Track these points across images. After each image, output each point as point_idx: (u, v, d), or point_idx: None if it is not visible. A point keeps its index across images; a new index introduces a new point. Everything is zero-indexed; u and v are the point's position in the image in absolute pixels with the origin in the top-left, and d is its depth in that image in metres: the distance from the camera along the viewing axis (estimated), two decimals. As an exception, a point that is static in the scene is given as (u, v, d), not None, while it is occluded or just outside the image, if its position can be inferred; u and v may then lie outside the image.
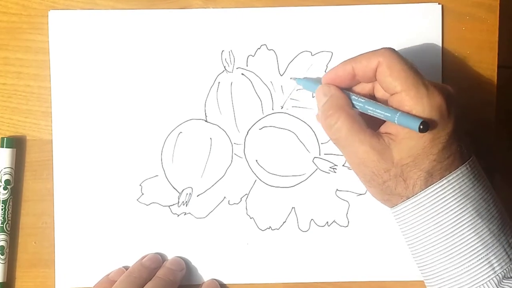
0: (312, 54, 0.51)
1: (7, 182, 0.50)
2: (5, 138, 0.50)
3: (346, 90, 0.46)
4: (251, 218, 0.51)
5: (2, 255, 0.50)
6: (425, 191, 0.42)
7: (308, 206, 0.51)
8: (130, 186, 0.51)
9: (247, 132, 0.51)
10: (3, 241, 0.50)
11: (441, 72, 0.51)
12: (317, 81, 0.48)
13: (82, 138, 0.51)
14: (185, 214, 0.51)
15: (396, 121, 0.42)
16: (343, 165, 0.51)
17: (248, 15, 0.51)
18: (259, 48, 0.51)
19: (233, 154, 0.51)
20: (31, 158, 0.51)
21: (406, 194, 0.43)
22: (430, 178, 0.42)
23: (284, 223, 0.51)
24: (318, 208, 0.51)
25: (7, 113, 0.51)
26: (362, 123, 0.44)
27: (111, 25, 0.51)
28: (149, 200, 0.51)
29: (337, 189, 0.51)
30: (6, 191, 0.50)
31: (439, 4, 0.51)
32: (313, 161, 0.51)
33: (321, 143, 0.51)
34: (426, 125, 0.40)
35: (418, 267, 0.45)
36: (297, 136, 0.51)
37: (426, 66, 0.51)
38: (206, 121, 0.51)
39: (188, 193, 0.51)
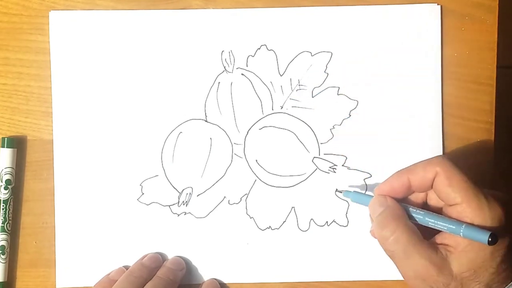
0: (312, 54, 0.51)
1: (8, 182, 0.51)
2: (5, 138, 0.51)
3: (401, 201, 0.44)
4: (251, 218, 0.51)
5: (2, 254, 0.50)
6: None
7: (308, 206, 0.51)
8: (130, 186, 0.51)
9: (247, 132, 0.51)
10: (4, 241, 0.50)
11: (440, 73, 0.51)
12: (367, 195, 0.47)
13: (82, 138, 0.51)
14: (185, 214, 0.51)
15: (461, 234, 0.40)
16: (342, 165, 0.51)
17: (248, 16, 0.51)
18: (259, 49, 0.51)
19: (233, 154, 0.52)
20: (31, 158, 0.52)
21: None
22: None
23: (284, 223, 0.51)
24: (317, 208, 0.51)
25: (7, 113, 0.51)
26: (420, 235, 0.42)
27: (111, 25, 0.51)
28: (149, 199, 0.51)
29: (336, 189, 0.51)
30: (7, 191, 0.50)
31: (438, 4, 0.51)
32: (312, 161, 0.51)
33: (321, 143, 0.51)
34: (495, 238, 0.39)
35: None
36: (296, 136, 0.51)
37: (426, 67, 0.51)
38: (206, 121, 0.51)
39: (188, 193, 0.51)
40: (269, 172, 0.51)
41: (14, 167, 0.51)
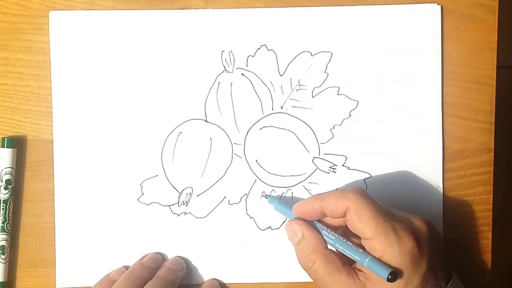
0: (312, 54, 0.51)
1: (7, 182, 0.51)
2: (5, 138, 0.51)
3: (317, 221, 0.46)
4: (251, 218, 0.51)
5: (2, 254, 0.50)
6: None
7: (308, 206, 0.51)
8: (131, 186, 0.51)
9: (247, 132, 0.51)
10: (4, 241, 0.50)
11: (440, 73, 0.51)
12: (290, 206, 0.47)
13: (82, 138, 0.51)
14: (185, 214, 0.51)
15: (365, 266, 0.42)
16: (342, 165, 0.51)
17: (248, 16, 0.51)
18: (259, 49, 0.51)
19: (233, 154, 0.52)
20: (31, 158, 0.52)
21: None
22: None
23: (284, 223, 0.51)
24: (317, 208, 0.51)
25: (7, 113, 0.51)
26: (338, 262, 0.44)
27: (111, 25, 0.51)
28: (149, 200, 0.51)
29: (336, 189, 0.51)
30: (6, 191, 0.51)
31: (438, 4, 0.51)
32: (312, 161, 0.51)
33: (321, 143, 0.51)
34: (394, 275, 0.40)
35: None
36: (296, 136, 0.51)
37: (426, 67, 0.51)
38: (206, 121, 0.51)
39: (188, 193, 0.51)
40: (269, 172, 0.51)
41: (14, 167, 0.51)
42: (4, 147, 0.50)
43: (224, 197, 0.52)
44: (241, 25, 0.51)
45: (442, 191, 0.51)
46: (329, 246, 0.45)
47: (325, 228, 0.45)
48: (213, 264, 0.51)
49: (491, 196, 0.52)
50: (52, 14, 0.51)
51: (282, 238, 0.51)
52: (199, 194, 0.52)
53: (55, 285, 0.51)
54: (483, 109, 0.52)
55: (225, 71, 0.51)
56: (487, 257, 0.52)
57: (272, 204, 0.49)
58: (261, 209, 0.51)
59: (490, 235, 0.52)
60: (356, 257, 0.43)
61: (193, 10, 0.51)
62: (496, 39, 0.51)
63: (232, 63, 0.51)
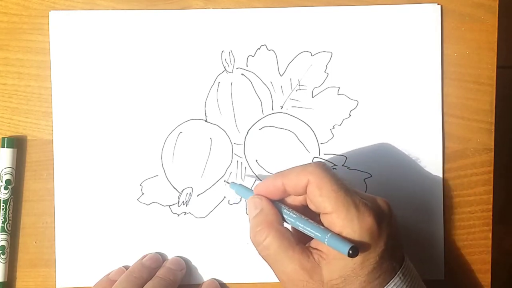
0: (312, 54, 0.51)
1: (8, 182, 0.51)
2: (5, 138, 0.51)
3: (279, 201, 0.45)
4: (251, 218, 0.51)
5: (3, 254, 0.50)
6: None
7: (308, 206, 0.51)
8: (131, 186, 0.51)
9: (247, 132, 0.51)
10: (4, 241, 0.50)
11: (441, 73, 0.51)
12: (250, 190, 0.46)
13: (82, 138, 0.51)
14: (185, 214, 0.51)
15: (326, 243, 0.40)
16: (342, 165, 0.51)
17: (248, 16, 0.51)
18: (259, 49, 0.51)
19: (233, 154, 0.52)
20: (31, 158, 0.52)
21: None
22: None
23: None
24: (317, 208, 0.51)
25: (7, 113, 0.51)
26: (292, 239, 0.42)
27: (111, 25, 0.51)
28: (149, 200, 0.51)
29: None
30: (7, 191, 0.51)
31: (438, 4, 0.51)
32: (312, 161, 0.51)
33: (321, 143, 0.51)
34: (355, 250, 0.39)
35: None
36: (296, 136, 0.51)
37: (426, 67, 0.51)
38: (206, 121, 0.51)
39: (188, 193, 0.52)
40: (269, 172, 0.51)
41: (14, 167, 0.51)
42: (4, 147, 0.50)
43: (224, 197, 0.52)
44: (241, 25, 0.51)
45: (442, 191, 0.51)
46: (289, 227, 0.44)
47: (286, 208, 0.44)
48: (213, 264, 0.51)
49: (491, 196, 0.52)
50: (52, 14, 0.51)
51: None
52: (199, 194, 0.52)
53: (55, 285, 0.51)
54: (483, 109, 0.52)
55: (225, 71, 0.51)
56: (487, 257, 0.52)
57: (234, 189, 0.48)
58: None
59: (490, 235, 0.52)
60: (317, 233, 0.41)
61: (193, 10, 0.51)
62: (496, 39, 0.51)
63: (232, 63, 0.51)
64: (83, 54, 0.51)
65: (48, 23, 0.51)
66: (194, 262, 0.52)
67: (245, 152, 0.52)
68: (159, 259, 0.51)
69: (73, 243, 0.51)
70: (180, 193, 0.52)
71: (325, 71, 0.51)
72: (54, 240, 0.51)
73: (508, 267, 0.97)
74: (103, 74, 0.51)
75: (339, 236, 0.40)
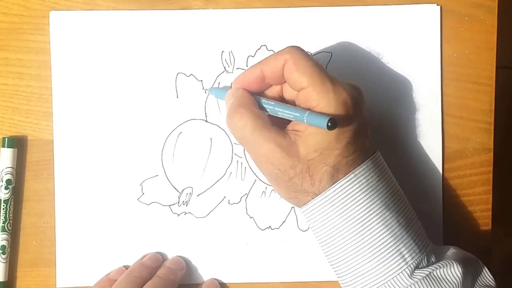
0: (312, 54, 0.51)
1: (8, 181, 0.51)
2: (6, 138, 0.51)
3: (256, 94, 0.46)
4: (251, 217, 0.51)
5: (3, 254, 0.51)
6: (333, 186, 0.42)
7: (308, 206, 0.51)
8: (131, 185, 0.51)
9: (247, 132, 0.51)
10: (5, 241, 0.51)
11: (440, 73, 0.51)
12: (229, 88, 0.47)
13: (82, 138, 0.51)
14: (185, 214, 0.52)
15: (305, 121, 0.41)
16: (342, 165, 0.51)
17: (248, 16, 0.51)
18: (259, 49, 0.51)
19: (233, 154, 0.52)
20: (32, 158, 0.52)
21: (312, 191, 0.42)
22: (336, 174, 0.42)
23: (284, 223, 0.51)
24: (317, 208, 0.51)
25: (8, 113, 0.51)
26: (268, 121, 0.43)
27: (112, 25, 0.51)
28: (150, 199, 0.51)
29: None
30: (7, 191, 0.51)
31: (437, 5, 0.51)
32: (312, 161, 0.51)
33: (321, 143, 0.51)
34: (334, 122, 0.39)
35: (331, 265, 0.44)
36: (296, 136, 0.51)
37: (426, 67, 0.51)
38: (206, 121, 0.52)
39: (188, 193, 0.52)
40: (269, 172, 0.51)
41: (15, 167, 0.51)
42: (4, 147, 0.51)
43: (224, 197, 0.52)
44: (241, 26, 0.51)
45: (442, 191, 0.52)
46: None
47: (265, 98, 0.45)
48: (213, 264, 0.52)
49: (491, 196, 0.52)
50: (53, 14, 0.51)
51: (282, 238, 0.51)
52: (199, 194, 0.52)
53: (55, 285, 0.51)
54: (483, 109, 0.52)
55: (225, 71, 0.51)
56: (487, 257, 0.52)
57: (213, 94, 0.49)
58: (261, 209, 0.51)
59: (489, 235, 0.52)
60: (296, 113, 0.42)
61: (193, 10, 0.51)
62: (495, 39, 0.51)
63: (232, 63, 0.51)
64: (83, 54, 0.51)
65: (49, 23, 0.51)
66: (194, 262, 0.52)
67: (245, 152, 0.52)
68: (159, 259, 0.51)
69: (73, 243, 0.51)
70: (180, 193, 0.52)
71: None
72: (54, 240, 0.51)
73: (509, 267, 0.97)
74: (103, 74, 0.51)
75: (317, 112, 0.41)
